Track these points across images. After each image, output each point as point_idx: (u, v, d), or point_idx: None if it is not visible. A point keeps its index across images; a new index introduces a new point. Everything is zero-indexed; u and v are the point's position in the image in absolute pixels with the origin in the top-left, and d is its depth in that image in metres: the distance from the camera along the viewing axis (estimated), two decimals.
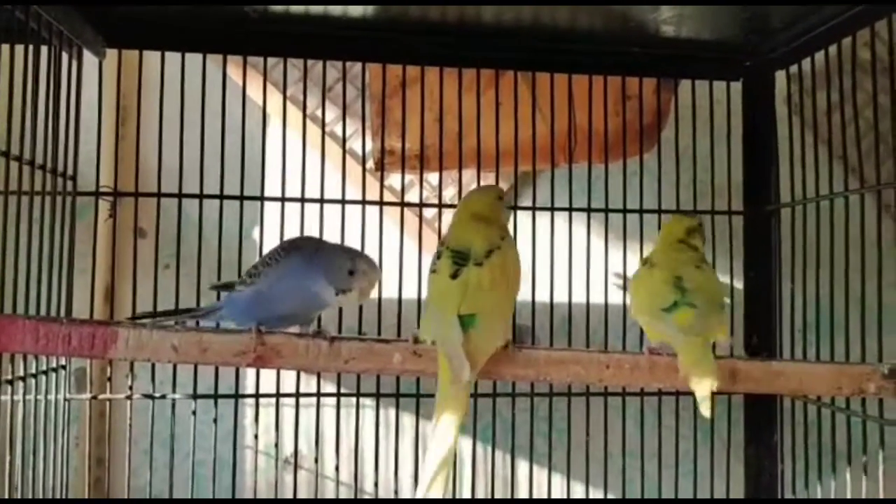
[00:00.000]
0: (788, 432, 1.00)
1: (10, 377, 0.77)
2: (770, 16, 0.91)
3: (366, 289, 0.75)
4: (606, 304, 1.03)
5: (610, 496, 1.07)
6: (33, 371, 0.81)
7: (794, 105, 0.99)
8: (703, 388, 0.73)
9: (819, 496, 0.91)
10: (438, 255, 0.78)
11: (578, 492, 1.08)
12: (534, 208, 1.04)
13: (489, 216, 0.80)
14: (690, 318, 0.75)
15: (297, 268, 0.75)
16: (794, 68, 0.99)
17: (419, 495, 0.71)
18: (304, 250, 0.77)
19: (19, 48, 0.78)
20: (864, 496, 0.83)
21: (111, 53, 0.96)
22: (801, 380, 0.78)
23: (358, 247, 0.97)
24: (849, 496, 0.87)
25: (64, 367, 0.87)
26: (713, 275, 0.84)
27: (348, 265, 0.74)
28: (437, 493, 0.71)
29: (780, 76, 1.02)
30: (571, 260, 1.02)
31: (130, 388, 0.95)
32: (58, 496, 0.84)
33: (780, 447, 1.02)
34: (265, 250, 0.99)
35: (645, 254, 1.05)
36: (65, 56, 0.87)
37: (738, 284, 1.08)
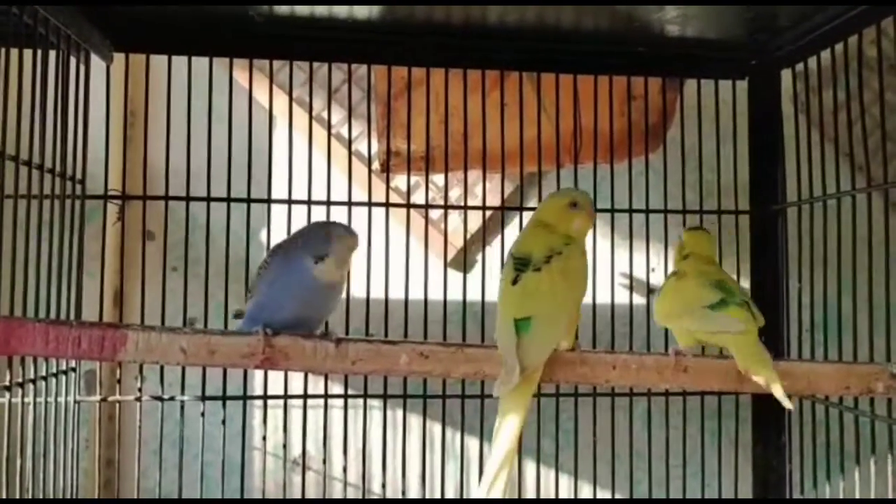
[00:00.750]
0: (797, 432, 1.00)
1: (20, 380, 0.78)
2: (776, 14, 0.91)
3: (344, 254, 0.74)
4: (613, 305, 1.03)
5: (618, 496, 1.07)
6: (43, 374, 0.82)
7: (801, 103, 0.98)
8: (770, 379, 0.74)
9: (827, 496, 0.91)
10: (506, 262, 0.80)
11: (586, 492, 1.08)
12: None
13: (554, 222, 0.80)
14: (745, 312, 0.77)
15: (282, 260, 0.75)
16: (800, 66, 0.98)
17: (480, 495, 0.72)
18: (285, 242, 0.78)
19: (28, 53, 0.79)
20: (872, 496, 0.83)
21: (118, 57, 0.97)
22: (809, 379, 0.78)
23: (364, 250, 0.98)
24: (857, 496, 0.87)
25: (74, 370, 0.88)
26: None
27: (323, 232, 0.74)
28: (497, 494, 0.72)
29: (786, 75, 1.02)
30: None
31: (140, 389, 0.96)
32: (68, 498, 0.85)
33: (789, 447, 1.02)
34: None
35: (652, 255, 1.06)
36: (73, 60, 0.88)
37: (745, 284, 1.07)
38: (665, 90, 1.07)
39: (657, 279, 1.12)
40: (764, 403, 1.05)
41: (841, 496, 0.89)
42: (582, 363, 0.77)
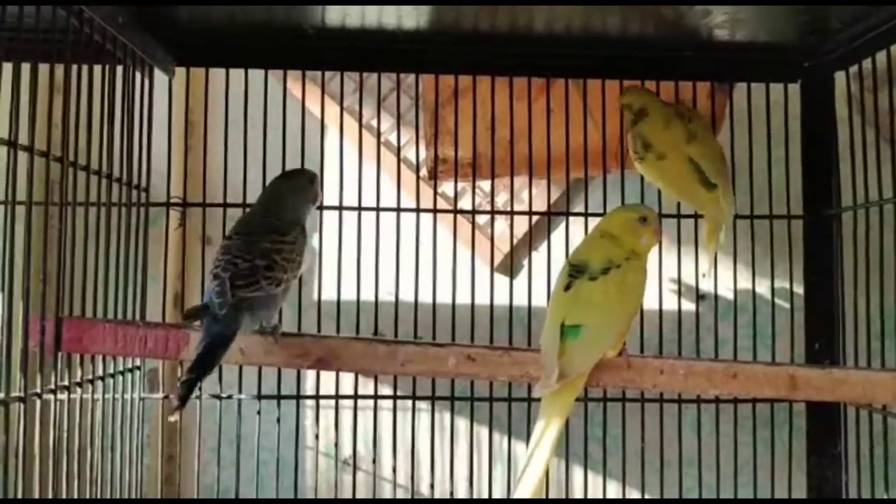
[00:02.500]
0: (853, 442, 0.97)
1: (90, 377, 0.82)
2: (829, 16, 0.89)
3: (316, 191, 0.85)
4: (661, 310, 1.02)
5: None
6: (111, 371, 0.86)
7: (856, 104, 0.96)
8: None
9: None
10: (562, 268, 0.82)
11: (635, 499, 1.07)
12: (586, 214, 1.04)
13: (619, 235, 0.81)
14: None
15: (289, 223, 0.79)
16: (854, 68, 0.96)
17: (515, 495, 0.74)
18: (286, 210, 0.81)
19: (97, 69, 0.83)
20: None
21: (180, 71, 1.02)
22: (864, 388, 0.76)
23: (412, 255, 1.00)
24: None
25: (138, 368, 0.92)
26: None
27: (305, 179, 0.84)
28: (529, 494, 0.73)
29: (840, 77, 1.00)
30: None
31: (200, 388, 1.00)
32: (132, 491, 0.89)
33: (844, 457, 0.99)
34: (325, 257, 1.03)
35: (700, 258, 1.05)
36: (138, 75, 0.93)
37: (799, 289, 1.05)
38: (714, 94, 1.06)
39: (707, 285, 1.11)
40: (819, 412, 1.03)
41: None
42: (629, 368, 0.77)
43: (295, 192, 0.82)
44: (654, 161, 0.94)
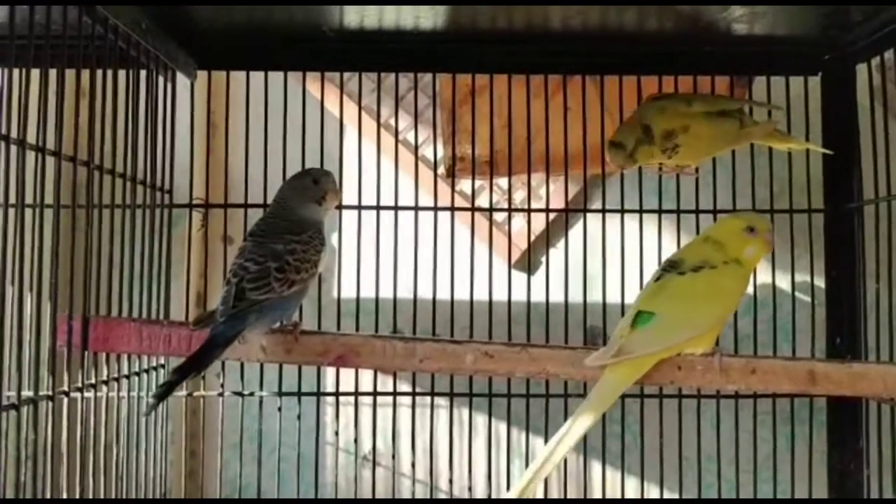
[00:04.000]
0: (874, 437, 0.96)
1: (115, 375, 0.84)
2: (848, 10, 0.88)
3: (333, 187, 0.83)
4: None
5: (686, 498, 1.06)
6: (136, 370, 0.88)
7: (878, 95, 0.95)
8: None
9: None
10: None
11: (653, 495, 1.07)
12: (604, 210, 1.04)
13: (724, 241, 0.80)
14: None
15: (292, 222, 0.79)
16: (876, 60, 0.95)
17: (528, 474, 0.76)
18: (292, 211, 0.81)
19: (121, 73, 0.85)
20: None
21: (201, 75, 1.03)
22: (885, 382, 0.76)
23: (430, 252, 1.00)
24: None
25: (163, 367, 0.94)
26: None
27: (309, 179, 0.82)
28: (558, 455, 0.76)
29: (861, 69, 0.99)
30: (643, 262, 1.02)
31: (222, 386, 1.01)
32: (156, 487, 0.91)
33: (866, 452, 0.98)
34: (344, 255, 1.04)
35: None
36: (161, 79, 0.94)
37: (820, 284, 1.05)
38: (733, 88, 1.05)
39: None
40: (840, 407, 1.02)
41: None
42: (720, 370, 0.77)
43: (300, 192, 0.82)
44: (685, 140, 0.91)
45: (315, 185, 0.82)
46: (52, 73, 0.73)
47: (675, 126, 0.89)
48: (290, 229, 0.79)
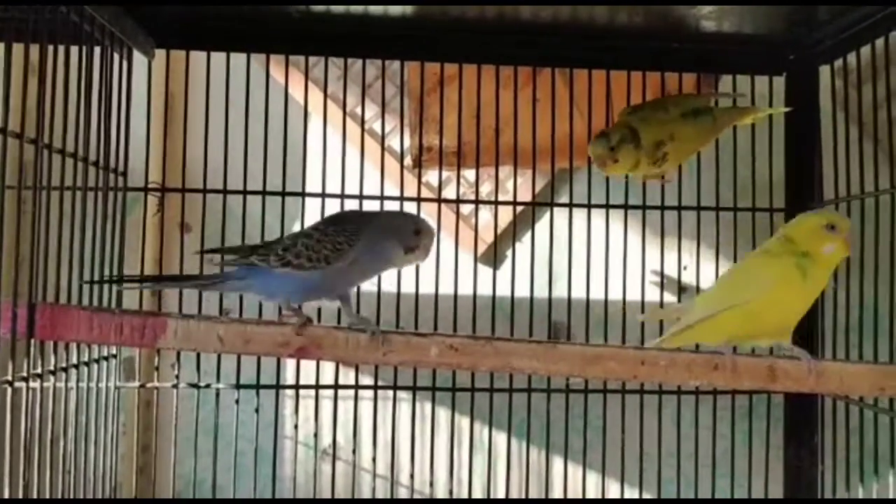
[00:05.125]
0: (829, 433, 0.98)
1: (64, 364, 0.81)
2: (815, 9, 0.89)
3: (428, 245, 0.80)
4: (643, 302, 1.03)
5: (646, 496, 1.07)
6: (85, 359, 0.85)
7: (840, 99, 0.97)
8: None
9: (861, 498, 0.89)
10: None
11: (614, 490, 1.08)
12: (571, 205, 1.04)
13: (799, 239, 0.78)
14: None
15: (368, 244, 0.78)
16: (839, 62, 0.97)
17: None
18: (358, 224, 0.79)
19: (74, 49, 0.81)
20: None
21: (159, 54, 0.99)
22: (843, 379, 0.77)
23: None
24: (893, 499, 0.86)
25: (114, 357, 0.90)
26: None
27: (413, 225, 0.79)
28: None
29: (825, 70, 1.00)
30: (608, 257, 1.02)
31: (177, 377, 0.98)
32: (106, 482, 0.88)
33: (821, 448, 1.00)
34: None
35: (684, 252, 1.05)
36: (116, 57, 0.90)
37: None
38: (700, 86, 1.06)
39: (689, 277, 1.11)
40: (797, 404, 1.04)
41: (874, 498, 0.87)
42: (610, 358, 0.77)
43: (396, 229, 0.79)
44: (672, 147, 0.91)
45: (415, 235, 0.79)
46: (0, 47, 0.69)
47: (663, 136, 0.89)
48: (340, 221, 0.79)
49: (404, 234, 0.78)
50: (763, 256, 0.79)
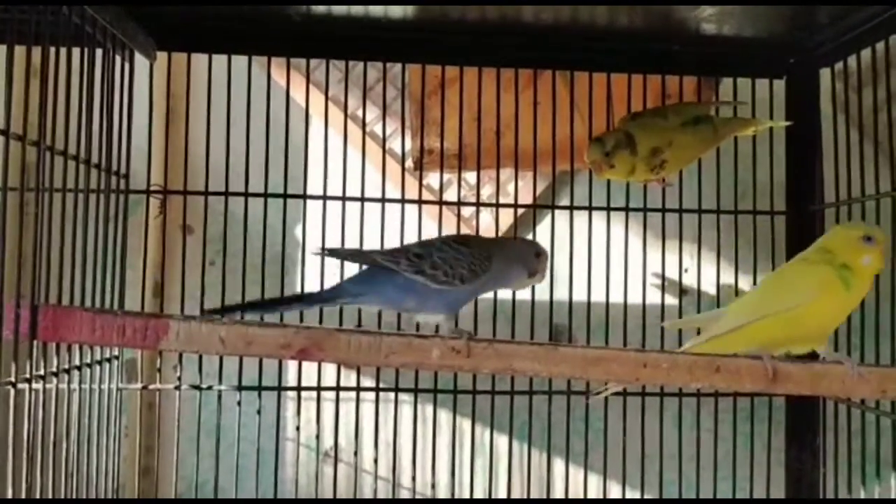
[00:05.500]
0: (831, 436, 0.98)
1: (66, 366, 0.81)
2: (816, 12, 0.90)
3: (546, 267, 0.85)
4: (644, 305, 1.03)
5: (647, 497, 1.07)
6: (88, 361, 0.85)
7: (840, 102, 0.97)
8: None
9: (862, 498, 0.89)
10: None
11: (615, 492, 1.08)
12: (571, 207, 1.04)
13: (835, 250, 0.79)
14: None
15: (501, 267, 0.82)
16: (839, 65, 0.97)
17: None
18: (491, 251, 0.82)
19: (76, 51, 0.81)
20: None
21: (161, 56, 1.00)
22: (844, 382, 0.77)
23: (398, 245, 0.99)
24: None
25: (117, 358, 0.90)
26: None
27: (533, 250, 0.84)
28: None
29: (825, 73, 1.01)
30: (609, 260, 1.02)
31: (179, 378, 0.98)
32: (109, 483, 0.88)
33: (823, 451, 1.00)
34: (308, 246, 1.02)
35: (685, 255, 1.05)
36: (118, 59, 0.91)
37: None
38: (700, 88, 1.06)
39: (690, 280, 1.11)
40: (798, 406, 1.04)
41: (875, 498, 0.87)
42: (611, 360, 0.77)
43: (519, 255, 0.83)
44: (670, 155, 0.90)
45: (536, 258, 0.84)
46: (1, 49, 0.69)
47: (660, 143, 0.89)
48: (474, 254, 0.80)
49: (528, 260, 0.83)
50: (802, 264, 0.80)
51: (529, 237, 1.08)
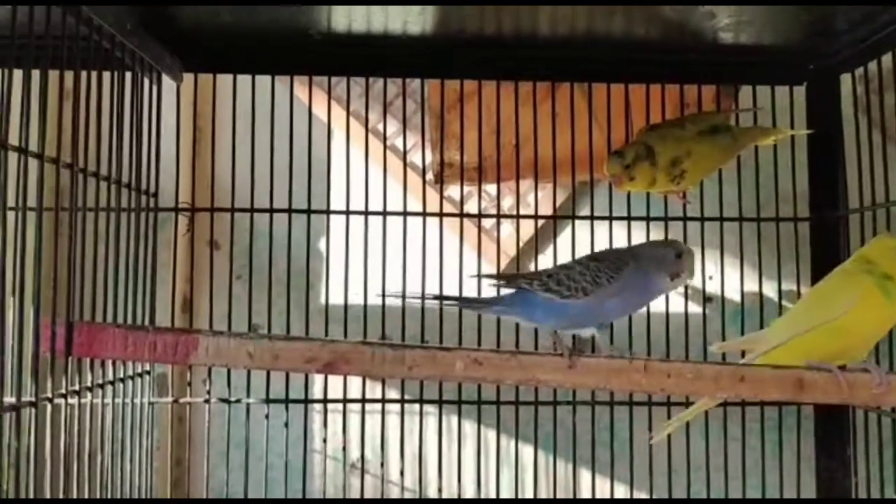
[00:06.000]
0: (862, 445, 0.97)
1: (100, 381, 0.83)
2: (835, 18, 0.89)
3: (692, 265, 0.83)
4: (668, 313, 1.02)
5: None
6: (121, 376, 0.87)
7: (862, 105, 0.96)
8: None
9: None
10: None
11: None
12: (592, 217, 1.04)
13: (875, 260, 0.79)
14: None
15: (635, 273, 0.81)
16: (860, 70, 0.96)
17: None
18: (623, 257, 0.82)
19: (106, 75, 0.84)
20: None
21: (188, 78, 1.02)
22: (872, 391, 0.76)
23: (419, 259, 1.00)
24: None
25: (148, 373, 0.93)
26: None
27: (673, 252, 0.82)
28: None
29: (846, 79, 1.00)
30: None
31: (208, 392, 1.00)
32: (142, 495, 0.89)
33: (854, 460, 0.99)
34: (332, 260, 1.03)
35: (709, 263, 1.04)
36: (146, 81, 0.93)
37: (806, 291, 1.05)
38: (720, 97, 1.06)
39: (713, 288, 1.11)
40: (827, 415, 1.03)
41: None
42: (636, 370, 0.77)
43: (657, 260, 0.82)
44: (689, 165, 0.90)
45: (676, 258, 0.82)
46: (35, 73, 0.72)
47: (680, 153, 0.89)
48: (600, 267, 0.81)
49: (668, 264, 0.81)
50: (842, 275, 0.80)
51: (550, 249, 1.08)
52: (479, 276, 0.91)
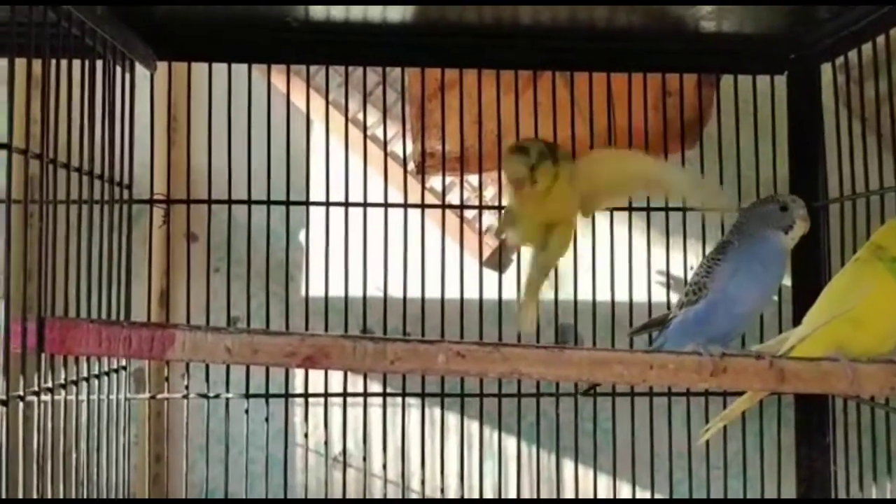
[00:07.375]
0: (841, 432, 0.98)
1: (74, 378, 0.81)
2: (815, 7, 0.89)
3: (803, 212, 0.77)
4: (650, 303, 1.02)
5: (658, 498, 1.06)
6: (96, 372, 0.85)
7: (842, 95, 0.96)
8: None
9: (874, 498, 0.89)
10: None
11: (625, 492, 1.07)
12: None
13: (888, 245, 0.77)
14: None
15: (739, 250, 0.76)
16: (840, 59, 0.96)
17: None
18: (737, 233, 0.78)
19: (76, 63, 0.82)
20: None
21: (162, 66, 1.00)
22: (852, 379, 0.76)
23: (401, 250, 0.99)
24: None
25: (124, 369, 0.91)
26: None
27: (776, 206, 0.76)
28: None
29: (826, 68, 1.00)
30: (613, 259, 1.02)
31: (186, 387, 0.99)
32: (119, 492, 0.88)
33: (833, 448, 1.00)
34: (312, 252, 1.02)
35: (690, 253, 1.04)
36: (118, 70, 0.91)
37: (786, 282, 1.06)
38: (701, 86, 1.06)
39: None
40: (808, 404, 1.03)
41: (888, 498, 0.87)
42: (618, 362, 0.77)
43: (763, 220, 0.77)
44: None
45: (783, 212, 0.76)
46: (2, 62, 0.70)
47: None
48: (709, 256, 0.78)
49: (775, 219, 0.76)
50: (855, 264, 0.79)
51: None
52: (632, 331, 0.90)
